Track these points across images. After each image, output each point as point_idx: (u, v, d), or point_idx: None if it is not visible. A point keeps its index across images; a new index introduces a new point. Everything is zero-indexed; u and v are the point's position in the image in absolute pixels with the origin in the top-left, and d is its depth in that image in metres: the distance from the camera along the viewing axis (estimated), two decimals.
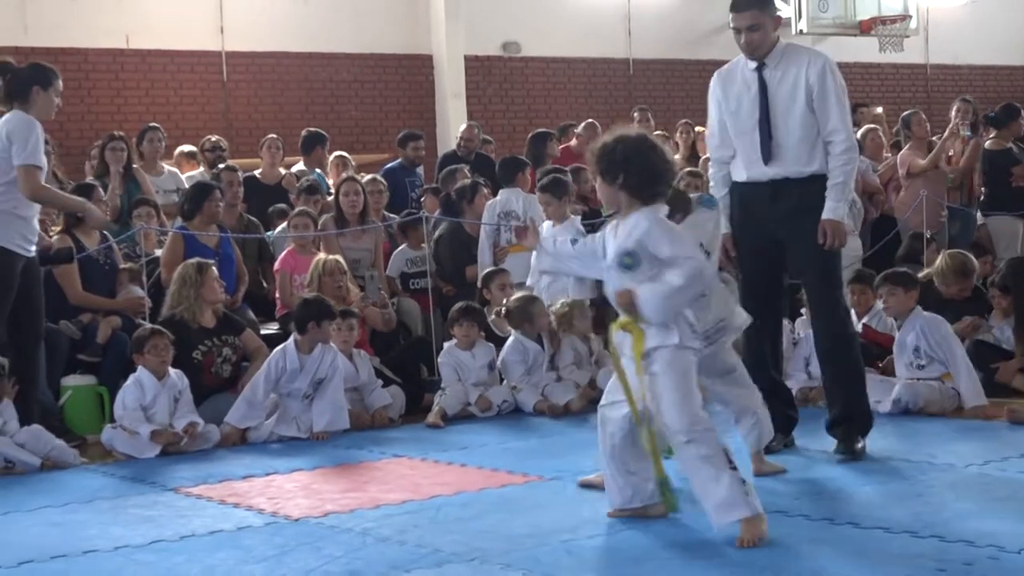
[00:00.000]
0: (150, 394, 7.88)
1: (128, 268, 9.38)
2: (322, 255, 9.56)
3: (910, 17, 20.50)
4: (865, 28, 20.22)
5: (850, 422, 6.87)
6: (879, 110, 18.75)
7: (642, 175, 5.22)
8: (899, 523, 5.20)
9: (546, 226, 9.47)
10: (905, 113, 12.64)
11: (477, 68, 18.64)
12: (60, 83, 7.95)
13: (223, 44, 16.66)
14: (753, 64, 6.86)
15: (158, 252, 9.78)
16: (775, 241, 6.90)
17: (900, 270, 8.54)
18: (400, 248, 10.85)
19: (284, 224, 10.60)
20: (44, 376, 8.19)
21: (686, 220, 6.10)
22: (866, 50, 21.28)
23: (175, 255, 9.33)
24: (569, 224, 9.54)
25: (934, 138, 12.46)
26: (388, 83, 18.02)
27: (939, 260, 9.66)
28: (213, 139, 13.00)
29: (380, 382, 8.79)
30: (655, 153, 5.29)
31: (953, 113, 12.77)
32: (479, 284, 9.94)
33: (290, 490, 6.59)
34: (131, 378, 7.97)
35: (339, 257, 9.53)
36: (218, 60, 16.72)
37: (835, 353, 6.92)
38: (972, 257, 9.77)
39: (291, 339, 8.39)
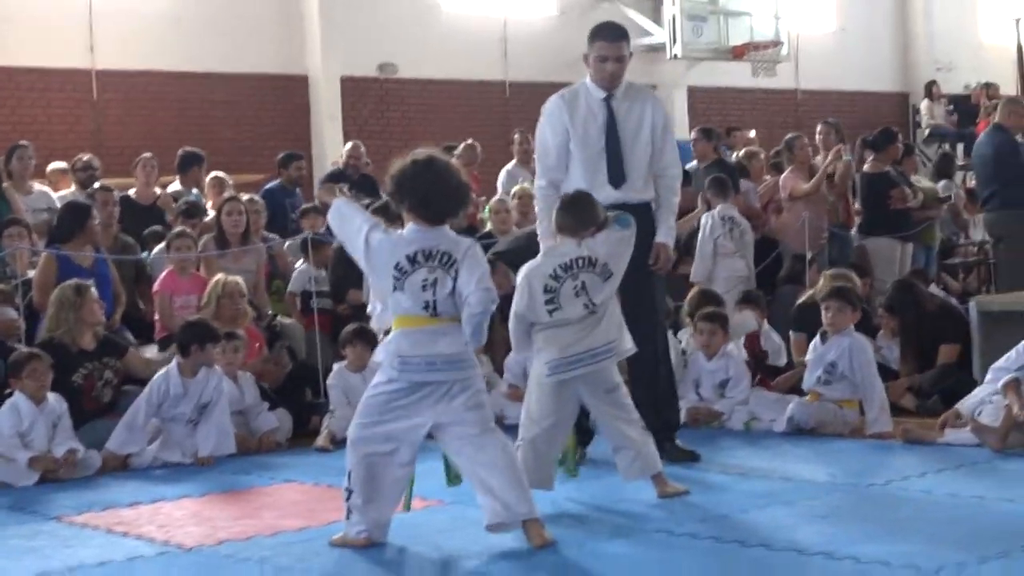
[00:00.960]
0: (27, 420, 7.56)
1: (0, 290, 9.03)
2: (221, 276, 9.35)
3: (781, 43, 20.85)
4: (738, 54, 20.53)
5: (668, 429, 7.13)
6: (752, 134, 19.00)
7: (424, 197, 5.29)
8: (812, 545, 5.14)
9: None
10: (788, 136, 12.72)
11: (353, 89, 18.50)
12: None
13: (93, 62, 16.29)
14: (602, 94, 7.19)
15: (31, 273, 9.44)
16: None
17: (846, 286, 8.51)
18: (302, 266, 10.59)
19: (162, 245, 10.31)
20: None
21: (598, 236, 6.14)
22: (738, 75, 21.59)
23: (48, 277, 9.02)
24: None
25: (814, 160, 12.55)
26: (263, 104, 17.78)
27: (821, 281, 9.69)
28: (84, 158, 12.62)
29: (266, 405, 8.56)
30: (440, 174, 5.34)
31: (818, 136, 12.93)
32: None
33: (180, 518, 6.35)
34: (7, 403, 7.64)
35: (239, 279, 9.31)
36: (88, 78, 16.33)
37: (649, 374, 7.15)
38: (855, 276, 9.82)
39: (173, 362, 8.14)
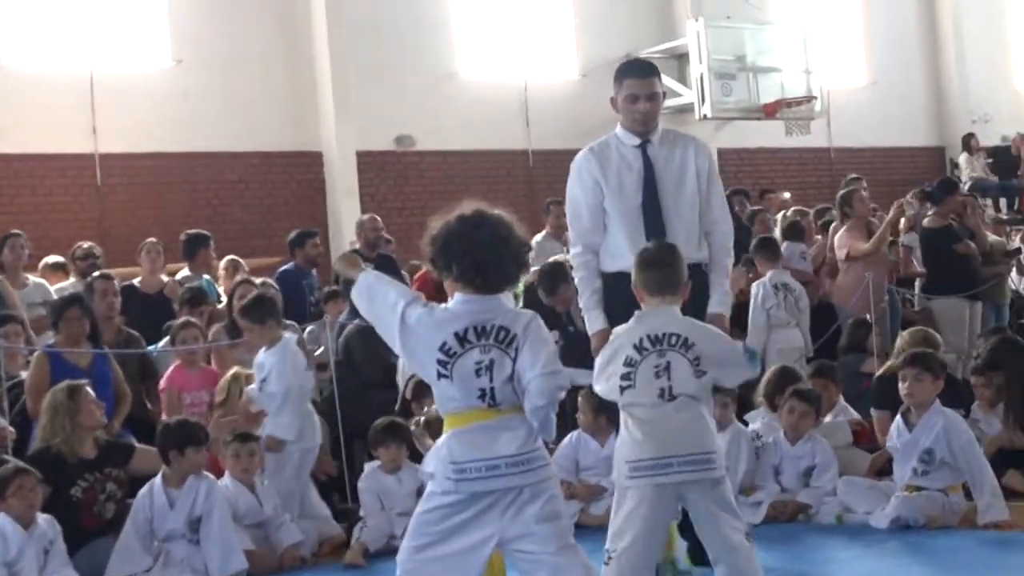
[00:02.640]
0: (15, 547, 6.59)
1: None
2: (236, 369, 8.46)
3: (815, 98, 19.96)
4: (769, 112, 19.66)
5: None
6: (786, 195, 18.11)
7: (477, 260, 4.37)
8: None
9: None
10: (843, 191, 11.81)
11: (370, 164, 17.66)
12: None
13: (96, 146, 15.45)
14: (635, 141, 6.26)
15: (24, 375, 8.51)
16: None
17: (925, 351, 7.53)
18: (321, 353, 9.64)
19: (167, 339, 9.39)
20: None
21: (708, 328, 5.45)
22: (769, 134, 20.73)
23: (40, 379, 8.10)
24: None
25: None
26: (276, 182, 16.93)
27: (899, 341, 8.70)
28: (85, 246, 11.74)
29: (288, 515, 7.57)
30: (495, 231, 4.41)
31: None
32: (407, 394, 8.69)
33: None
34: None
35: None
36: (91, 163, 15.49)
37: None
38: (934, 332, 8.83)
39: (159, 474, 7.19)
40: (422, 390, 8.23)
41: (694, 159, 6.33)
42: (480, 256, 4.36)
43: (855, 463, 8.09)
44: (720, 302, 6.27)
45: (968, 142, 22.93)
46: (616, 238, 6.25)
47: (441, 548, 4.34)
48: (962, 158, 22.66)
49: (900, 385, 7.15)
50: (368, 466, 7.91)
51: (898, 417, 7.29)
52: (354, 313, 9.53)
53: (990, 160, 22.86)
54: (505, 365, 4.33)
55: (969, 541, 6.55)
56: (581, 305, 6.33)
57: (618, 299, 6.14)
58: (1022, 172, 22.57)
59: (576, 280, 6.42)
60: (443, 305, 4.46)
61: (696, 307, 6.09)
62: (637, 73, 6.30)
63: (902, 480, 7.12)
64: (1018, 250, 13.23)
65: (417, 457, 8.01)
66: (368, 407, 8.56)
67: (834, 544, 6.84)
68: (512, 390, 4.34)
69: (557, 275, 9.18)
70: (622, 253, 6.18)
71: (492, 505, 4.32)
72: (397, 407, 8.61)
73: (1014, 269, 12.79)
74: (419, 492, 7.72)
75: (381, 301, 4.48)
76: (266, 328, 8.01)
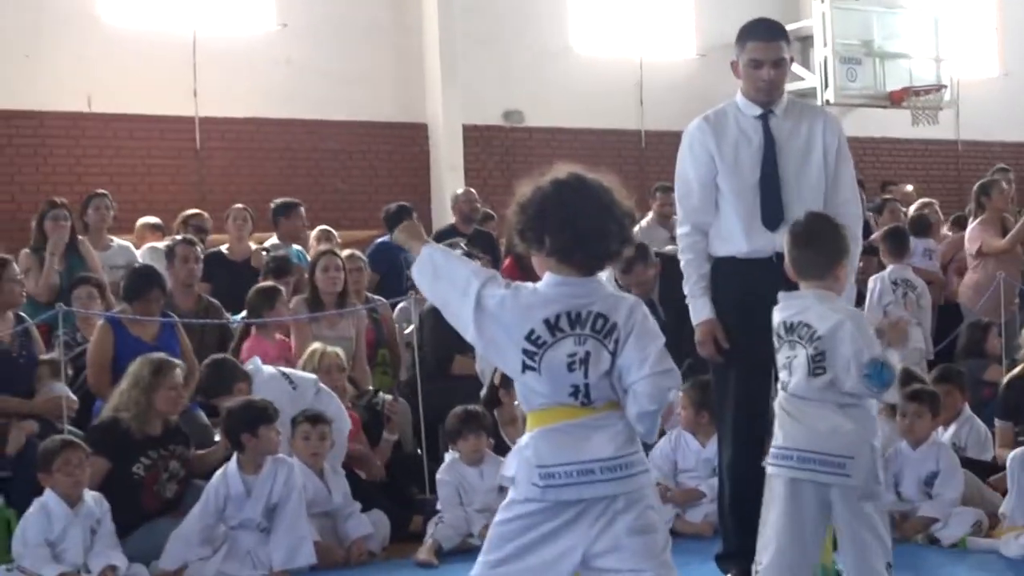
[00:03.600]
0: (59, 525, 6.16)
1: (49, 360, 7.65)
2: (317, 345, 7.90)
3: (945, 87, 19.06)
4: (896, 99, 18.78)
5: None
6: (909, 188, 17.30)
7: (576, 233, 3.71)
8: None
9: None
10: (982, 180, 11.00)
11: (476, 138, 17.08)
12: None
13: (196, 109, 15.05)
14: (756, 111, 5.60)
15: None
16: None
17: None
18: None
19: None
20: None
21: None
22: (894, 124, 19.84)
23: (102, 349, 7.70)
24: None
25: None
26: (378, 153, 16.42)
27: None
28: (191, 212, 11.34)
29: (359, 505, 7.04)
30: (598, 199, 3.76)
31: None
32: (495, 381, 8.03)
33: None
34: (35, 504, 6.24)
35: (339, 350, 7.86)
36: (191, 126, 15.10)
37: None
38: None
39: (233, 459, 6.67)
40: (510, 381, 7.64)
41: (822, 134, 5.68)
42: (580, 227, 3.72)
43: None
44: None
45: None
46: (728, 219, 5.64)
47: (520, 563, 3.73)
48: None
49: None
50: (448, 456, 7.34)
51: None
52: None
53: None
54: (603, 358, 3.70)
55: None
56: (686, 292, 5.71)
57: (728, 286, 5.54)
58: None
59: (682, 264, 5.79)
60: (530, 285, 3.82)
61: None
62: (763, 35, 5.65)
63: None
64: None
65: (503, 449, 7.47)
66: (452, 392, 7.99)
67: (957, 572, 6.14)
68: (609, 386, 3.72)
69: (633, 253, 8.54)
70: (734, 236, 5.60)
71: (580, 515, 3.70)
72: (484, 394, 8.02)
73: None
74: (502, 488, 7.23)
75: (448, 280, 3.83)
76: None
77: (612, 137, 18.18)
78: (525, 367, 3.72)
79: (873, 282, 9.64)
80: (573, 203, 3.73)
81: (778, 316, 4.76)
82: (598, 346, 3.70)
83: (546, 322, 3.71)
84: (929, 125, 19.34)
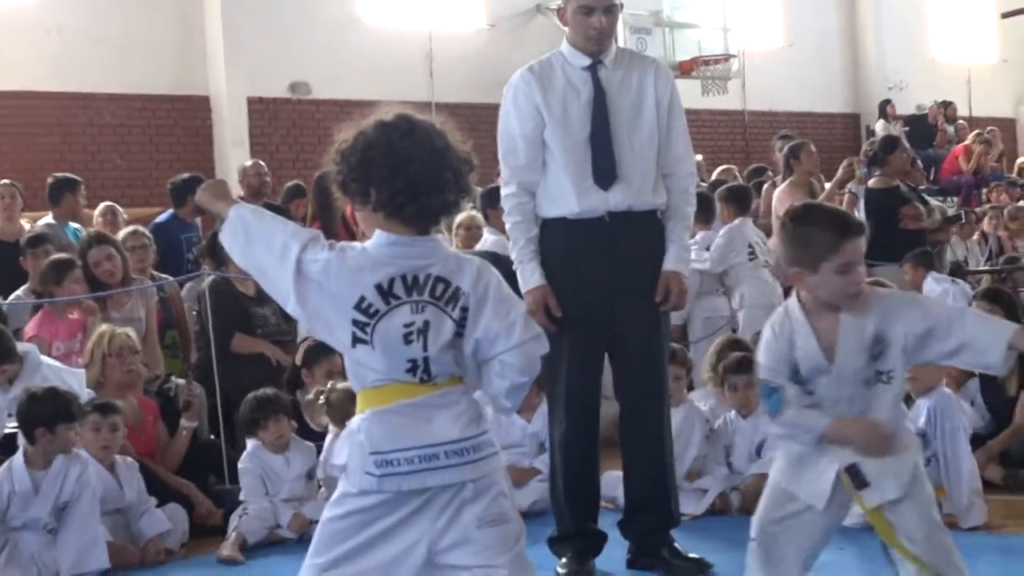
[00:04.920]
0: None
1: None
2: (106, 327, 7.23)
3: (734, 57, 19.15)
4: (686, 69, 18.80)
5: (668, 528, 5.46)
6: (699, 157, 17.25)
7: (408, 182, 3.25)
8: None
9: None
10: (792, 143, 10.86)
11: (262, 111, 16.48)
12: None
13: None
14: (585, 61, 5.22)
15: None
16: (607, 296, 5.19)
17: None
18: None
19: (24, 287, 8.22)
20: None
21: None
22: (685, 94, 19.61)
23: None
24: None
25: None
26: (159, 128, 15.69)
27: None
28: None
29: (154, 500, 6.45)
30: (431, 143, 3.30)
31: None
32: (298, 361, 7.49)
33: None
34: None
35: (130, 331, 7.22)
36: None
37: (657, 449, 5.39)
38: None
39: (19, 452, 6.02)
40: (317, 355, 7.12)
41: (654, 85, 5.31)
42: (411, 175, 3.25)
43: None
44: (678, 257, 5.31)
45: (884, 109, 22.34)
46: (557, 177, 5.25)
47: (355, 565, 3.25)
48: (878, 125, 22.01)
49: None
50: (251, 443, 6.79)
51: None
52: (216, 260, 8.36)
53: (906, 129, 22.23)
54: (445, 328, 3.24)
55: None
56: (513, 257, 5.30)
57: (557, 249, 5.16)
58: (938, 142, 22.02)
59: (508, 227, 5.40)
60: (358, 246, 3.32)
61: (650, 262, 5.16)
62: None
63: None
64: (958, 216, 12.41)
65: (308, 434, 6.96)
66: (249, 373, 7.44)
67: None
68: (452, 360, 3.27)
69: None
70: (564, 195, 5.22)
71: (424, 507, 3.24)
72: (286, 376, 7.50)
73: (954, 236, 11.93)
74: (310, 474, 6.75)
75: (263, 244, 3.31)
76: None
77: (403, 109, 17.72)
78: (356, 340, 3.23)
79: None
80: (402, 148, 3.26)
81: None
82: (439, 314, 3.24)
83: (378, 288, 3.23)
84: (719, 95, 19.44)
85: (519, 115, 5.30)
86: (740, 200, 9.57)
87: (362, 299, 3.23)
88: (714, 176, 12.55)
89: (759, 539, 3.93)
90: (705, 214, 9.53)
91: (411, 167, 3.25)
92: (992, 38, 25.08)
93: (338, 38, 17.04)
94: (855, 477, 3.76)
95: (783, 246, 3.89)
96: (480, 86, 17.66)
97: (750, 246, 9.20)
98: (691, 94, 19.52)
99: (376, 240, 3.30)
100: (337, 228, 9.72)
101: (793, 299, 3.85)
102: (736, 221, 9.35)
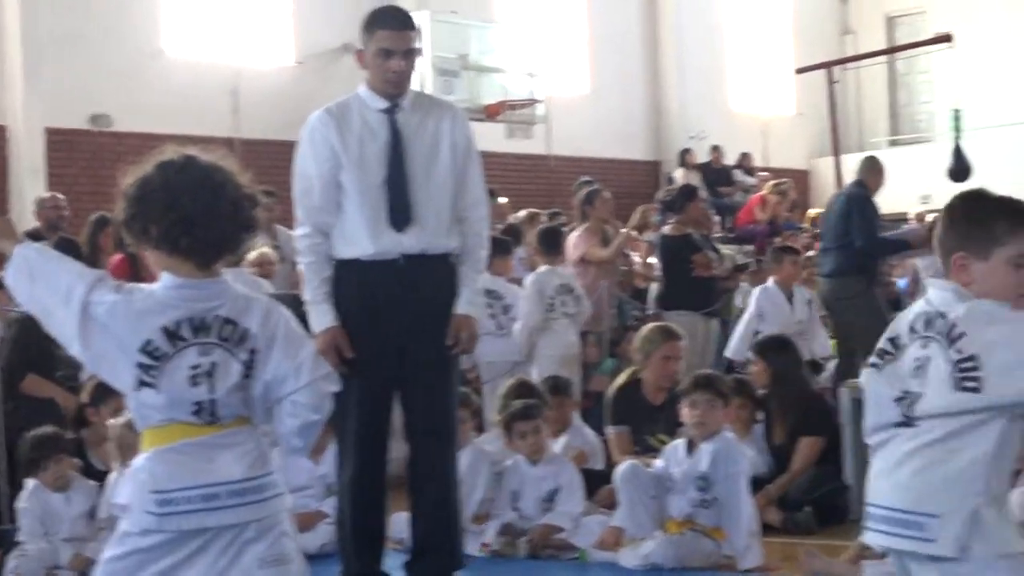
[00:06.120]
0: None
1: None
2: None
3: (539, 102, 19.42)
4: (492, 112, 18.95)
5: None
6: (503, 200, 17.47)
7: (186, 220, 3.29)
8: None
9: None
10: (588, 190, 11.07)
11: (60, 142, 16.13)
12: None
13: None
14: (382, 104, 5.32)
15: None
16: (398, 338, 5.29)
17: (715, 374, 6.88)
18: None
19: None
20: None
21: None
22: (489, 137, 20.01)
23: None
24: None
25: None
26: None
27: (640, 340, 7.83)
28: None
29: None
30: (210, 181, 3.35)
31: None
32: (84, 399, 7.33)
33: None
34: None
35: None
36: None
37: (444, 496, 5.46)
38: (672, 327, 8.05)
39: None
40: (103, 394, 7.01)
41: (450, 131, 5.41)
42: (185, 209, 3.27)
43: None
44: (470, 301, 5.40)
45: (684, 158, 22.88)
46: (353, 219, 5.31)
47: None
48: (678, 173, 22.55)
49: (688, 412, 6.33)
50: (29, 482, 6.63)
51: (679, 443, 6.46)
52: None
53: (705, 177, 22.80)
54: (232, 370, 3.27)
55: None
56: (306, 298, 5.33)
57: (351, 291, 5.21)
58: (728, 190, 22.65)
59: (302, 266, 5.42)
60: (146, 288, 3.34)
61: (443, 305, 5.24)
62: (393, 24, 5.36)
63: (681, 513, 6.27)
64: (747, 265, 12.77)
65: (92, 472, 6.84)
66: (35, 414, 7.28)
67: None
68: (241, 400, 3.29)
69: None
70: (358, 237, 5.28)
71: (205, 546, 3.23)
72: (70, 415, 7.36)
73: (743, 284, 12.28)
74: (91, 513, 6.62)
75: (48, 285, 3.29)
76: None
77: (205, 144, 17.31)
78: (141, 383, 3.24)
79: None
80: (177, 184, 3.30)
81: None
82: (227, 356, 3.27)
83: (164, 330, 3.25)
84: (523, 139, 19.67)
85: (315, 156, 5.33)
86: (550, 243, 9.67)
87: (148, 342, 3.24)
88: (519, 217, 12.70)
89: None
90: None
91: (183, 199, 3.28)
92: (789, 92, 25.90)
93: (141, 70, 16.80)
94: None
95: (946, 230, 3.35)
96: (287, 124, 17.42)
97: (551, 296, 9.28)
98: (496, 137, 19.76)
99: (163, 282, 3.32)
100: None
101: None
102: (543, 268, 9.45)
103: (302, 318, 5.27)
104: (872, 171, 9.81)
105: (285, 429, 3.33)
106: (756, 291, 10.26)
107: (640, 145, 23.92)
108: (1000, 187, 3.64)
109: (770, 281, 10.29)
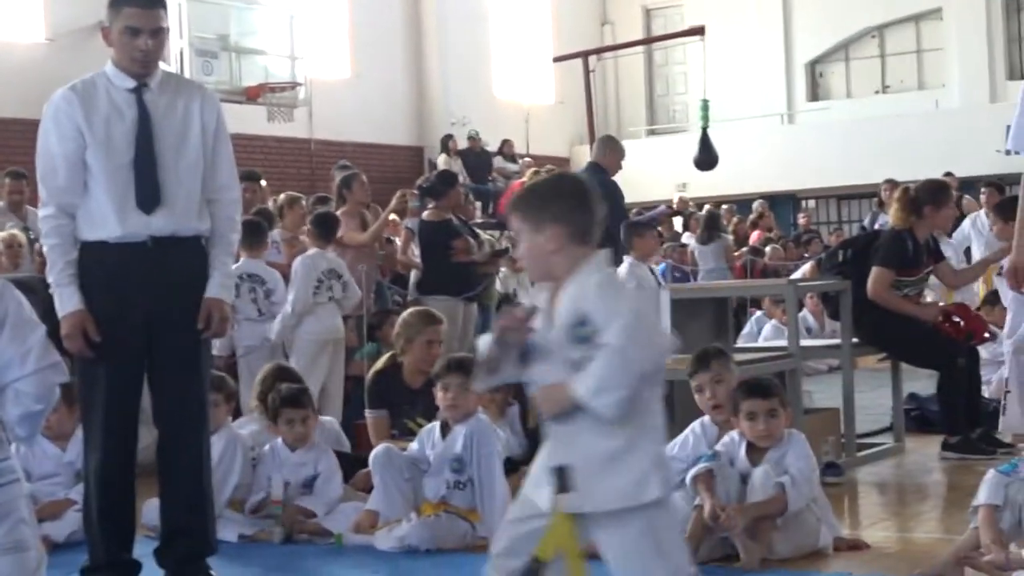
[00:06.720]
0: None
1: None
2: None
3: (300, 85, 19.29)
4: (252, 95, 18.80)
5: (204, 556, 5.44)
6: (263, 183, 17.29)
7: None
8: None
9: None
10: (346, 174, 11.02)
11: None
12: None
13: None
14: (130, 83, 5.22)
15: None
16: (147, 321, 5.21)
17: (469, 356, 6.76)
18: None
19: None
20: None
21: None
22: (250, 120, 19.78)
23: None
24: None
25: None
26: None
27: (401, 325, 7.84)
28: None
29: None
30: None
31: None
32: None
33: None
34: None
35: None
36: None
37: (194, 483, 5.43)
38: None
39: None
40: None
41: (200, 112, 5.32)
42: None
43: None
44: (222, 284, 5.33)
45: (447, 144, 23.03)
46: (99, 200, 5.18)
47: None
48: (441, 159, 22.71)
49: (441, 395, 6.34)
50: None
51: (433, 426, 6.49)
52: None
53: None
54: None
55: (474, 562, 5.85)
56: (51, 281, 5.20)
57: (98, 274, 5.11)
58: (490, 176, 22.91)
59: (46, 249, 5.30)
60: None
61: (193, 288, 5.17)
62: (141, 2, 5.19)
63: (435, 496, 6.29)
64: (506, 250, 12.88)
65: None
66: None
67: (332, 570, 6.00)
68: None
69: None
70: (105, 219, 5.16)
71: None
72: None
73: (503, 269, 12.43)
74: None
75: None
76: None
77: None
78: None
79: None
80: None
81: None
82: None
83: None
84: (285, 122, 19.52)
85: (59, 135, 5.20)
86: (325, 228, 9.61)
87: None
88: (278, 200, 12.55)
89: None
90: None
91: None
92: (550, 80, 26.28)
93: None
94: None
95: None
96: (38, 102, 16.46)
97: (319, 280, 9.25)
98: (257, 120, 19.56)
99: None
100: None
101: None
102: (312, 251, 9.40)
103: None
104: (610, 150, 9.97)
105: (8, 417, 3.26)
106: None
107: (403, 130, 24.00)
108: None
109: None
